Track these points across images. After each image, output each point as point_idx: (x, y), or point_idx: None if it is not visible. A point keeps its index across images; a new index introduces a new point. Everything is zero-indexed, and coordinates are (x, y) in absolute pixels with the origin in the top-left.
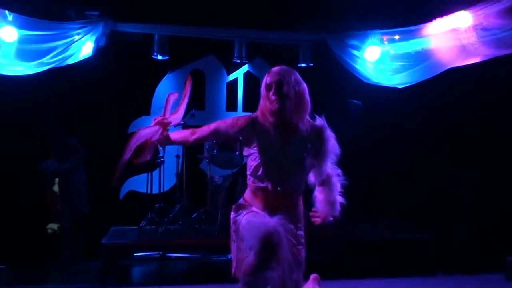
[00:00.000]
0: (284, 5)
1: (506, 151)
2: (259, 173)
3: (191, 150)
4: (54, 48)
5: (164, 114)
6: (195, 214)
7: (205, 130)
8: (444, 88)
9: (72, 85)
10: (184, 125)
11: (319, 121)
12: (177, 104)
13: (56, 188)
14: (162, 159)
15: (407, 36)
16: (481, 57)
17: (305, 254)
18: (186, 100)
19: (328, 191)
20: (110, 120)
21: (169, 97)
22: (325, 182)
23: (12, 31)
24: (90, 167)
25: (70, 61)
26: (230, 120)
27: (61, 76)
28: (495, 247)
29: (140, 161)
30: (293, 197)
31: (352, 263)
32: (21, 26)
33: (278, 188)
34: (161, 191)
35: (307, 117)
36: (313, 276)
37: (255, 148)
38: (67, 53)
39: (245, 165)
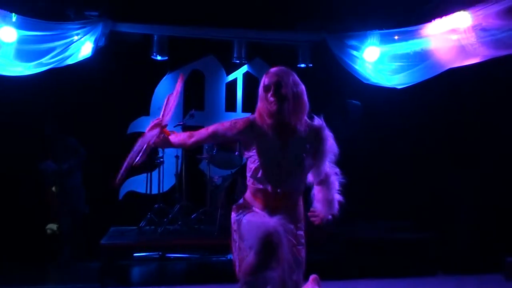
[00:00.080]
0: (284, 5)
1: (506, 151)
2: (259, 175)
3: (191, 151)
4: (53, 49)
5: (163, 116)
6: (194, 215)
7: (203, 133)
8: (443, 88)
9: (72, 86)
10: (184, 126)
11: (317, 121)
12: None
13: (55, 188)
14: (161, 160)
15: (406, 36)
16: (480, 58)
17: (305, 254)
18: (175, 99)
19: (326, 190)
20: (110, 120)
21: (169, 98)
22: (324, 182)
23: (11, 31)
24: (90, 167)
25: (70, 61)
26: (228, 122)
27: (61, 77)
28: (495, 247)
29: (136, 163)
30: (292, 198)
31: (352, 263)
32: (20, 27)
33: (278, 190)
34: (161, 191)
35: (305, 117)
36: (312, 276)
37: (254, 151)
38: (67, 54)
39: (245, 165)
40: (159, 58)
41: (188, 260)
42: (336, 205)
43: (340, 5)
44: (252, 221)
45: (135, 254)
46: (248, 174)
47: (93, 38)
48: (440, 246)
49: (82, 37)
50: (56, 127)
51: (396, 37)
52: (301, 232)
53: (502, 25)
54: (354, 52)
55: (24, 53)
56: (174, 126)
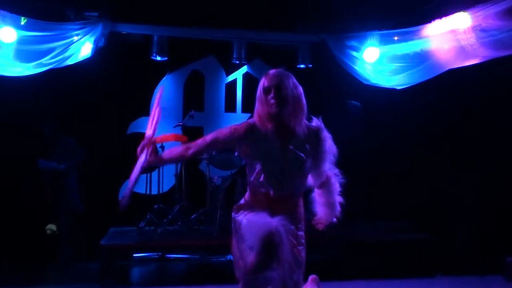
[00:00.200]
0: (283, 6)
1: (506, 151)
2: (261, 179)
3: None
4: (53, 49)
5: (151, 132)
6: (194, 215)
7: (201, 143)
8: (443, 89)
9: (72, 86)
10: (183, 126)
11: (316, 122)
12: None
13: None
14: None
15: (406, 37)
16: (480, 58)
17: (305, 255)
18: (159, 112)
19: (327, 193)
20: (110, 120)
21: (153, 112)
22: (324, 184)
23: (11, 32)
24: (90, 168)
25: (69, 62)
26: (227, 129)
27: (60, 77)
28: (495, 247)
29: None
30: (294, 199)
31: (352, 263)
32: (20, 27)
33: (280, 193)
34: (160, 192)
35: (304, 119)
36: (312, 277)
37: (255, 155)
38: (66, 54)
39: (244, 166)
40: (158, 58)
41: (188, 260)
42: (338, 208)
43: (339, 6)
44: (252, 221)
45: (134, 255)
46: (250, 178)
47: (93, 39)
48: (440, 246)
49: (82, 38)
50: (56, 127)
51: (395, 38)
52: (302, 233)
53: (501, 26)
54: (354, 53)
55: (24, 54)
56: (174, 127)
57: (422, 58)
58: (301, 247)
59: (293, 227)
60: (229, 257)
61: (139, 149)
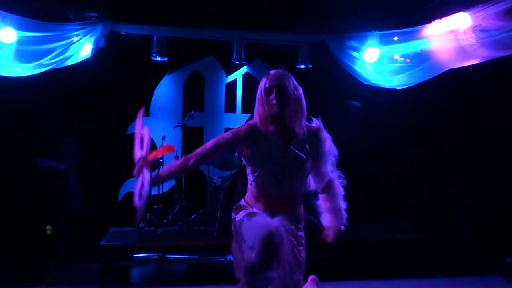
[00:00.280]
0: (283, 6)
1: (506, 151)
2: (262, 180)
3: (190, 152)
4: (53, 50)
5: (144, 151)
6: (194, 215)
7: (202, 151)
8: (443, 89)
9: (71, 86)
10: (183, 126)
11: (315, 122)
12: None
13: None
14: (161, 161)
15: (406, 37)
16: (480, 59)
17: (305, 255)
18: (147, 132)
19: (331, 198)
20: (109, 121)
21: (141, 135)
22: (328, 188)
23: (11, 32)
24: (90, 168)
25: (69, 62)
26: (229, 133)
27: (60, 78)
28: (495, 248)
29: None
30: (294, 200)
31: (352, 264)
32: (20, 27)
33: (282, 193)
34: (160, 192)
35: (304, 120)
36: (311, 277)
37: (256, 156)
38: (66, 54)
39: (244, 166)
40: (158, 59)
41: (187, 261)
42: (344, 214)
43: (339, 6)
44: (253, 221)
45: (134, 255)
46: (251, 179)
47: (92, 39)
48: (440, 246)
49: (81, 38)
50: (56, 127)
51: (395, 38)
52: (302, 233)
53: (501, 26)
54: (354, 53)
55: (23, 54)
56: (174, 127)
57: (422, 58)
58: (301, 247)
59: (293, 227)
60: (229, 257)
61: (135, 171)
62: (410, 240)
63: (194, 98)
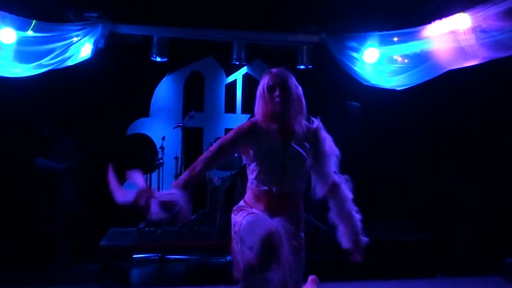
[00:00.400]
0: (283, 7)
1: (506, 151)
2: (263, 176)
3: (190, 152)
4: (52, 50)
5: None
6: (194, 216)
7: (207, 155)
8: (443, 89)
9: (71, 87)
10: (183, 127)
11: (314, 122)
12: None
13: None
14: (161, 161)
15: (406, 38)
16: (480, 59)
17: (305, 255)
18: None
19: (338, 201)
20: (109, 121)
21: (134, 179)
22: (334, 192)
23: (10, 32)
24: (89, 168)
25: (69, 62)
26: (231, 133)
27: (60, 78)
28: (495, 248)
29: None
30: (295, 197)
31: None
32: (19, 28)
33: (283, 190)
34: None
35: (303, 119)
36: (311, 277)
37: (256, 153)
38: (66, 55)
39: (244, 166)
40: (158, 59)
41: (187, 261)
42: (357, 218)
43: (339, 7)
44: (252, 222)
45: (134, 256)
46: (251, 177)
47: (92, 40)
48: (440, 246)
49: (81, 39)
50: (55, 127)
51: (395, 39)
52: (302, 233)
53: (501, 27)
54: (354, 54)
55: (23, 55)
56: (174, 128)
57: (422, 59)
58: (301, 248)
59: (293, 227)
60: (229, 258)
61: (142, 202)
62: (410, 240)
63: (194, 98)
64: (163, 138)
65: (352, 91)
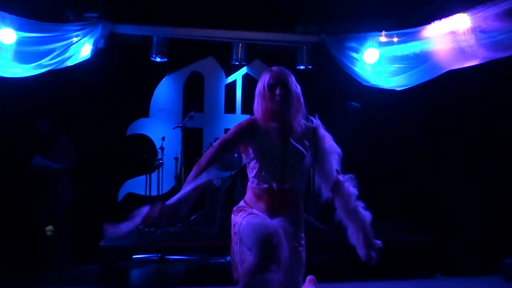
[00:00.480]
0: (283, 7)
1: (506, 151)
2: (263, 174)
3: (190, 153)
4: (52, 50)
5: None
6: (193, 216)
7: (210, 151)
8: (443, 89)
9: (71, 87)
10: (183, 127)
11: (313, 121)
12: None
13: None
14: (161, 161)
15: (406, 38)
16: (479, 60)
17: (305, 256)
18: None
19: (343, 198)
20: (109, 121)
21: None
22: (338, 190)
23: (10, 33)
24: (89, 168)
25: (69, 63)
26: (232, 129)
27: (60, 78)
28: (495, 248)
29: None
30: (295, 196)
31: (352, 264)
32: (19, 28)
33: (283, 187)
34: (160, 193)
35: (302, 118)
36: (309, 277)
37: (256, 151)
38: (66, 55)
39: (244, 167)
40: (158, 59)
41: (187, 262)
42: (364, 214)
43: (339, 7)
44: (252, 223)
45: (134, 256)
46: (251, 175)
47: (92, 40)
48: (440, 247)
49: (81, 39)
50: (55, 127)
51: (395, 39)
52: (302, 234)
53: (501, 27)
54: (354, 54)
55: (23, 55)
56: (174, 128)
57: (422, 59)
58: (301, 248)
59: (293, 228)
60: (229, 258)
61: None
62: (410, 240)
63: (193, 99)
64: (163, 139)
65: (352, 91)
